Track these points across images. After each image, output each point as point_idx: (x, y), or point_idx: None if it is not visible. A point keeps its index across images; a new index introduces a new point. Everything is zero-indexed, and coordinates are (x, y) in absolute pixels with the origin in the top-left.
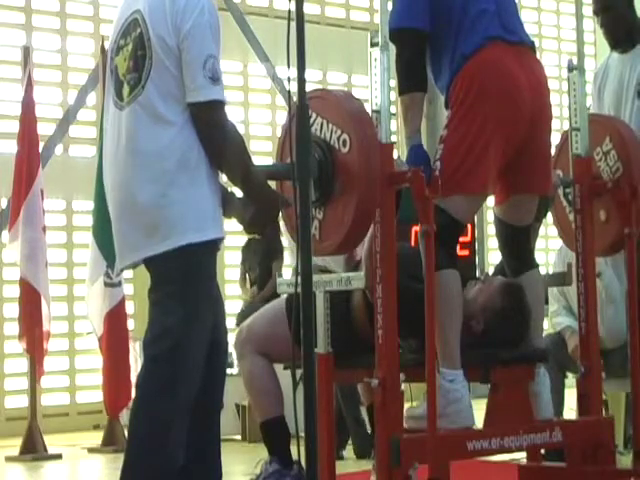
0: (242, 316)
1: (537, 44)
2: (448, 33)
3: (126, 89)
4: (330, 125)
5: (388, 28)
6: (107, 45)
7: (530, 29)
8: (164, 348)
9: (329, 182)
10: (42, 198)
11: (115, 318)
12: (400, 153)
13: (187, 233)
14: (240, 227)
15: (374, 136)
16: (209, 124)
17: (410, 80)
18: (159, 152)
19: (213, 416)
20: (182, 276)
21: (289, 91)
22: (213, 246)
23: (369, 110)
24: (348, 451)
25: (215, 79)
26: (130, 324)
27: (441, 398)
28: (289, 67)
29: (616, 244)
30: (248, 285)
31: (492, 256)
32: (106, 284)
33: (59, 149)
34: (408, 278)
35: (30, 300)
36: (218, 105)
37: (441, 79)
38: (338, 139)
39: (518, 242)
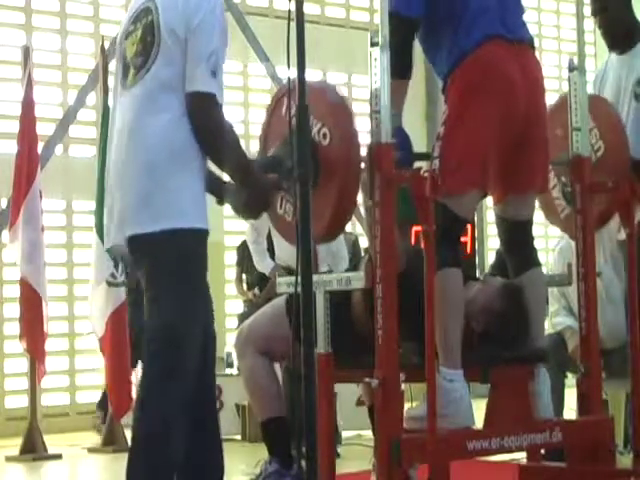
0: (243, 317)
1: (537, 44)
2: (448, 24)
3: (132, 72)
4: (311, 118)
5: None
6: (107, 45)
7: (530, 29)
8: (161, 343)
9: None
10: (40, 198)
11: (119, 319)
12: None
13: (175, 218)
14: (240, 227)
15: (352, 126)
16: (206, 114)
17: (395, 67)
18: (155, 136)
19: (210, 408)
20: (174, 262)
21: (289, 91)
22: (201, 236)
23: (369, 110)
24: (348, 451)
25: (214, 73)
26: None
27: (441, 398)
28: (289, 67)
29: (604, 214)
30: (245, 286)
31: (492, 256)
32: (110, 284)
33: (59, 149)
34: (418, 282)
35: (30, 300)
36: (215, 99)
37: (439, 65)
38: (319, 132)
39: (519, 238)
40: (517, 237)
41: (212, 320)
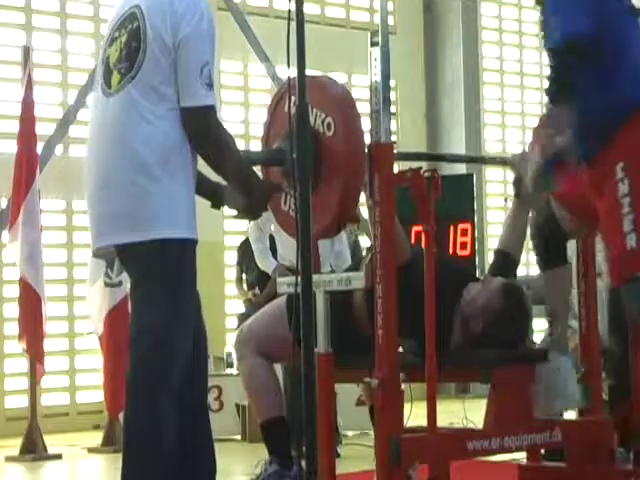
0: (243, 318)
1: (537, 44)
2: (602, 67)
3: (116, 77)
4: (314, 109)
5: (556, 41)
6: None
7: (530, 28)
8: (148, 346)
9: (315, 166)
10: (39, 198)
11: (116, 318)
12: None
13: (164, 227)
14: (240, 227)
15: (358, 118)
16: (207, 128)
17: (568, 94)
18: (141, 144)
19: (201, 409)
20: (160, 272)
21: (289, 86)
22: (190, 244)
23: (369, 110)
24: (348, 451)
25: (210, 85)
26: None
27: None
28: (289, 67)
29: None
30: (245, 286)
31: (492, 256)
32: (106, 284)
33: (59, 149)
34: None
35: (29, 300)
36: (213, 110)
37: (586, 113)
38: (322, 123)
39: (560, 242)
40: (560, 241)
41: (202, 322)
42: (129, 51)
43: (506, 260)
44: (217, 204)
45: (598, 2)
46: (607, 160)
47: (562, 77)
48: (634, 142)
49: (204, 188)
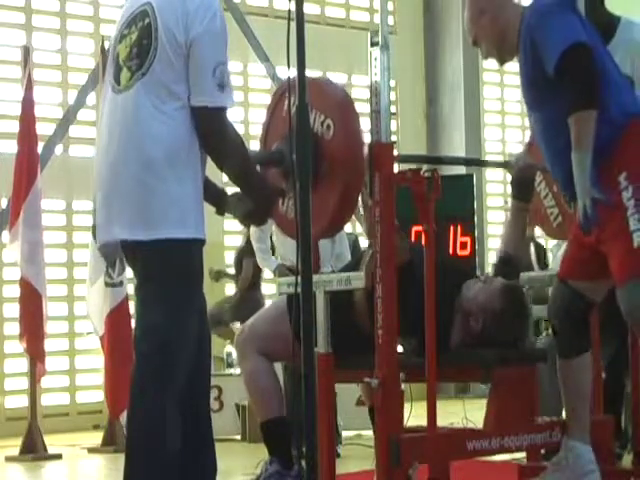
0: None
1: None
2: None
3: (126, 74)
4: (313, 111)
5: (558, 55)
6: (107, 45)
7: None
8: (152, 345)
9: (314, 167)
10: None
11: (117, 318)
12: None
13: (171, 227)
14: (240, 228)
15: (357, 120)
16: (215, 129)
17: (588, 96)
18: (149, 142)
19: (203, 409)
20: (167, 272)
21: (289, 88)
22: (197, 244)
23: (369, 110)
24: (348, 450)
25: (223, 85)
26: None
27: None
28: (289, 67)
29: None
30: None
31: (492, 256)
32: (107, 284)
33: (59, 149)
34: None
35: (31, 300)
36: (223, 111)
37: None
38: (322, 124)
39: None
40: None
41: (207, 323)
42: (140, 48)
43: (509, 262)
44: (222, 210)
45: (583, 26)
46: (608, 174)
47: (582, 78)
48: (632, 152)
49: (210, 194)
